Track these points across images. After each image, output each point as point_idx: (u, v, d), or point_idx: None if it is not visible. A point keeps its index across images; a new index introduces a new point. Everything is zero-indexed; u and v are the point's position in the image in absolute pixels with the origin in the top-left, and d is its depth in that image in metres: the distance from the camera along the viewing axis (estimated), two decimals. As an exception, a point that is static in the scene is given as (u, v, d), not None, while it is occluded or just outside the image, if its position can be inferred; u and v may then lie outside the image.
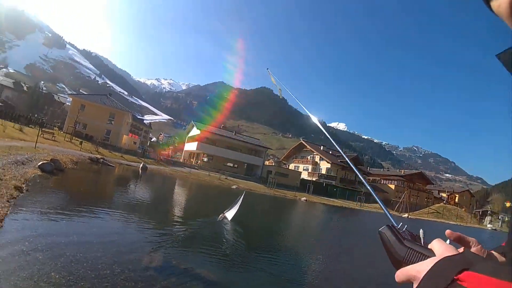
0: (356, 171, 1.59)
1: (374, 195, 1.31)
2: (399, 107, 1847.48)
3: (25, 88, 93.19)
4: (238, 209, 17.61)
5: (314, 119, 2.18)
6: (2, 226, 7.48)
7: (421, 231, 1.06)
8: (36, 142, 25.47)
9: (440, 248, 0.91)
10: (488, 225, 66.76)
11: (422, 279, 0.84)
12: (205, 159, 69.18)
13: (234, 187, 44.87)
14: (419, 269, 0.87)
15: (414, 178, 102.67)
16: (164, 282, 7.10)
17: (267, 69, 3.35)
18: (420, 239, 1.03)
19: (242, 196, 18.46)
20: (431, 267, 0.85)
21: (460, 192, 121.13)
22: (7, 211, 8.57)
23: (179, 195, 28.40)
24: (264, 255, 12.80)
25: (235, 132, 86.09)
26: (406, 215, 60.75)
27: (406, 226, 1.06)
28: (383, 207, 1.28)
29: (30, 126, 41.63)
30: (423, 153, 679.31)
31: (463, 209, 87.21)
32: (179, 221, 16.04)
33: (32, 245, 6.94)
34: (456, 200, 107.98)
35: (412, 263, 0.92)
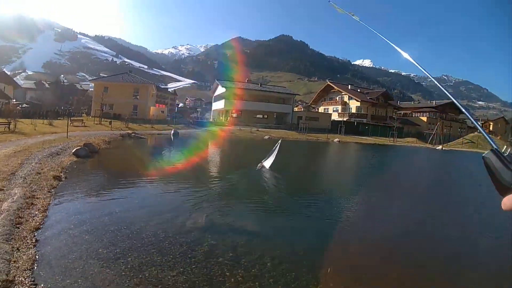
0: (461, 107, 1.55)
1: (475, 123, 1.32)
2: (425, 36, 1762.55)
3: (47, 85, 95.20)
4: (276, 157, 18.02)
5: (405, 55, 2.09)
6: (47, 215, 7.74)
7: None
8: (67, 132, 25.93)
9: None
10: None
11: None
12: (234, 115, 69.21)
13: (266, 137, 45.16)
14: None
15: (446, 108, 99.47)
16: (209, 241, 7.24)
17: (329, 1, 3.22)
18: None
19: (279, 145, 18.74)
20: None
21: (494, 120, 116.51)
22: (49, 201, 8.86)
23: (214, 153, 28.86)
24: (305, 199, 12.88)
25: (260, 84, 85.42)
26: (440, 147, 59.41)
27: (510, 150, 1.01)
28: (482, 131, 1.28)
29: (59, 118, 42.45)
30: (453, 81, 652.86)
31: (498, 137, 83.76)
32: (217, 176, 16.41)
33: (78, 227, 7.20)
34: (491, 128, 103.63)
35: None
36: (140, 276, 5.37)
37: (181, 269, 5.77)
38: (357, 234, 9.24)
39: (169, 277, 5.45)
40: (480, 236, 9.88)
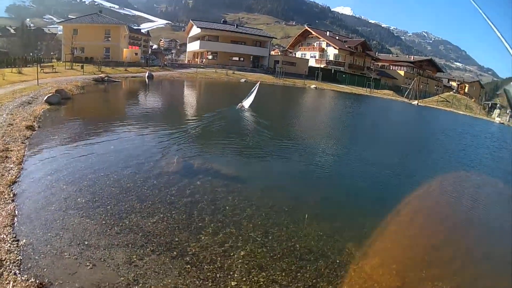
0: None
1: None
2: None
3: (12, 31, 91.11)
4: (254, 98, 19.32)
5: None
6: (22, 168, 7.67)
7: None
8: (38, 79, 25.15)
9: None
10: (497, 118, 65.17)
11: None
12: (210, 57, 67.70)
13: (242, 80, 44.74)
14: None
15: (424, 65, 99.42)
16: (188, 185, 7.39)
17: None
18: None
19: (258, 86, 20.17)
20: None
21: (470, 83, 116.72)
22: (24, 153, 8.74)
23: (190, 94, 28.77)
24: (283, 142, 13.23)
25: (236, 25, 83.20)
26: (415, 102, 59.96)
27: None
28: None
29: (28, 66, 40.89)
30: (433, 39, 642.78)
31: (473, 100, 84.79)
32: (194, 118, 16.56)
33: (54, 177, 7.19)
34: (466, 90, 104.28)
35: None
36: (121, 224, 5.47)
37: (161, 215, 5.90)
38: (332, 178, 9.68)
39: (149, 223, 5.57)
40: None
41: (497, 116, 66.95)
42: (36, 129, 11.47)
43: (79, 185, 6.90)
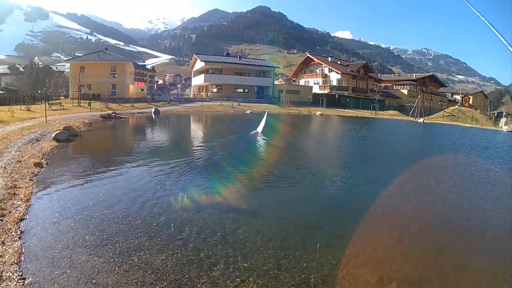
0: None
1: None
2: (403, 6, 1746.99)
3: (21, 69, 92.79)
4: (265, 124, 22.32)
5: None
6: (30, 205, 7.63)
7: None
8: (46, 116, 25.44)
9: None
10: (504, 127, 64.71)
11: None
12: (215, 90, 68.81)
13: (248, 112, 45.17)
14: None
15: (426, 81, 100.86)
16: (197, 220, 7.29)
17: None
18: None
19: (266, 113, 23.70)
20: None
21: (474, 94, 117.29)
22: (32, 190, 8.73)
23: (196, 128, 29.09)
24: (295, 169, 13.19)
25: (239, 57, 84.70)
26: (421, 120, 59.99)
27: None
28: None
29: (36, 103, 41.61)
30: (433, 54, 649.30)
31: (478, 111, 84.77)
32: (201, 149, 16.70)
33: (62, 214, 7.14)
34: (470, 102, 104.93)
35: None
36: (129, 261, 5.34)
37: (170, 252, 5.76)
38: (344, 203, 9.50)
39: (159, 260, 5.44)
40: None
41: (504, 125, 66.24)
42: (44, 166, 11.50)
43: (86, 222, 6.83)
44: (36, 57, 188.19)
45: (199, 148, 17.11)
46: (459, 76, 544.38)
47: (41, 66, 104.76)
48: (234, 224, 7.22)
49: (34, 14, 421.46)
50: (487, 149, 24.95)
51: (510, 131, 54.83)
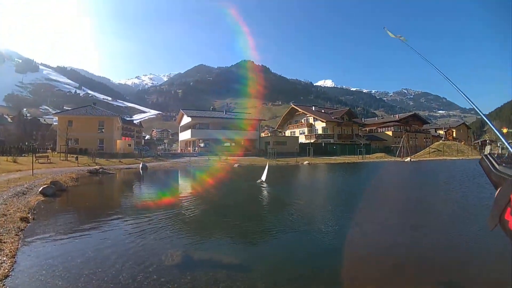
0: (491, 126, 1.75)
1: (494, 130, 1.46)
2: (381, 53, 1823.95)
3: (9, 120, 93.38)
4: (267, 173, 25.27)
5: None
6: (15, 261, 7.38)
7: None
8: (33, 169, 25.29)
9: None
10: None
11: (495, 197, 0.98)
12: (202, 145, 69.29)
13: (236, 165, 45.18)
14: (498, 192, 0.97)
15: (410, 120, 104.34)
16: (190, 279, 6.98)
17: (384, 27, 3.41)
18: None
19: (267, 164, 27.80)
20: (499, 189, 0.97)
21: (456, 127, 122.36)
22: (17, 245, 8.50)
23: (184, 183, 28.70)
24: (288, 218, 12.90)
25: (225, 111, 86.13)
26: (408, 159, 61.13)
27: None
28: (500, 136, 1.52)
29: (23, 155, 41.42)
30: (413, 94, 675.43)
31: (462, 143, 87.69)
32: (190, 204, 16.33)
33: (50, 272, 6.88)
34: (454, 135, 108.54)
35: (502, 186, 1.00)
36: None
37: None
38: (341, 250, 9.22)
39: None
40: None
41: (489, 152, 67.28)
42: (30, 221, 11.28)
43: (75, 282, 6.54)
44: (25, 109, 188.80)
45: (188, 203, 16.83)
46: (441, 112, 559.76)
47: (29, 117, 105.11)
48: (228, 282, 6.90)
49: (24, 65, 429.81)
50: (475, 178, 26.12)
51: None
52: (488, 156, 1.15)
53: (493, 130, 1.52)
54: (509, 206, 0.90)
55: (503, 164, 1.06)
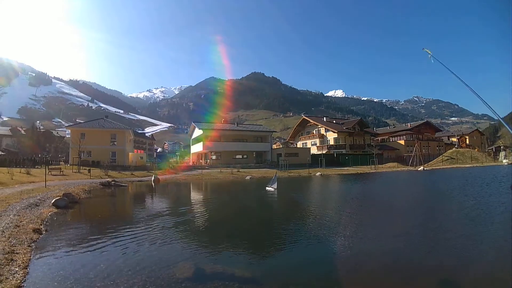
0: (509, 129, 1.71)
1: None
2: (391, 61, 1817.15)
3: (22, 132, 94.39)
4: (277, 181, 27.58)
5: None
6: (28, 272, 7.38)
7: None
8: (46, 181, 25.52)
9: None
10: (504, 160, 65.25)
11: None
12: (214, 157, 69.15)
13: (248, 178, 45.09)
14: None
15: (422, 128, 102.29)
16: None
17: (423, 49, 3.37)
18: None
19: (276, 173, 30.09)
20: None
21: (469, 133, 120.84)
22: (30, 256, 8.51)
23: (197, 195, 28.59)
24: (301, 229, 12.74)
25: (237, 123, 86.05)
26: (421, 168, 60.28)
27: None
28: None
29: (36, 167, 41.84)
30: (424, 101, 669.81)
31: (476, 150, 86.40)
32: (204, 216, 16.28)
33: (61, 283, 6.86)
34: (467, 142, 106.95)
35: None
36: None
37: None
38: (356, 261, 9.04)
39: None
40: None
41: (504, 158, 65.80)
42: (43, 232, 11.34)
43: (87, 293, 6.47)
44: (38, 121, 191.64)
45: (200, 215, 16.74)
46: (453, 118, 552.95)
47: (42, 130, 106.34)
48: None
49: (38, 79, 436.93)
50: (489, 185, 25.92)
51: (511, 163, 54.37)
52: None
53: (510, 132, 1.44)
54: None
55: None
